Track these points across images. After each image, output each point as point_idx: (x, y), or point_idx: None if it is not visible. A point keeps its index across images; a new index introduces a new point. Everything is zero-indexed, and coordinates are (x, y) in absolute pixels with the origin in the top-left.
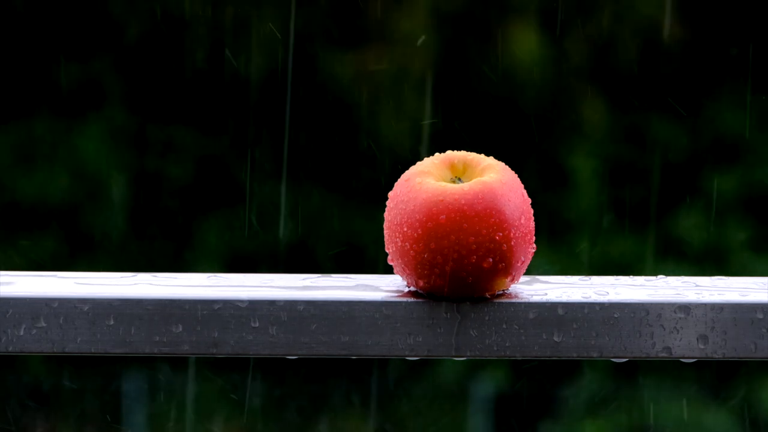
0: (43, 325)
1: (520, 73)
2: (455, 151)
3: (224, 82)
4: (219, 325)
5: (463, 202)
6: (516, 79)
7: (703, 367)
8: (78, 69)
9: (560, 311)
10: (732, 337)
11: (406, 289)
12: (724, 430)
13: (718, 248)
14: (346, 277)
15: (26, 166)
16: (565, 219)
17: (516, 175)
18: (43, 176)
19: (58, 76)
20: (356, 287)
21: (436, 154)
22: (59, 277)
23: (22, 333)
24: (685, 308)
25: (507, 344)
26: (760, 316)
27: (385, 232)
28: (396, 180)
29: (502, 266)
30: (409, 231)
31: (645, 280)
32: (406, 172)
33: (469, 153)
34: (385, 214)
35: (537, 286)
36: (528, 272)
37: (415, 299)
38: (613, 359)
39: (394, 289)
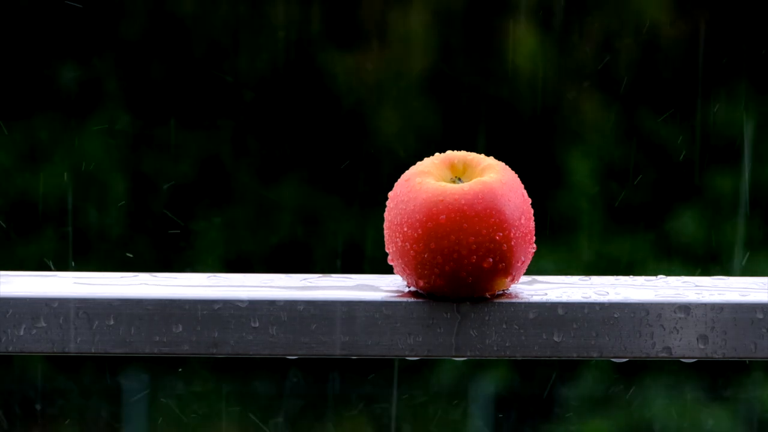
0: (43, 325)
1: (519, 73)
2: (455, 151)
3: (224, 82)
4: (219, 325)
5: (463, 202)
6: (516, 78)
7: (703, 367)
8: (78, 69)
9: (560, 311)
10: (732, 337)
11: (406, 289)
12: (724, 430)
13: (718, 248)
14: (346, 277)
15: (26, 166)
16: (565, 219)
17: (516, 175)
18: (43, 176)
19: (59, 76)
20: (356, 287)
21: (436, 154)
22: (59, 277)
23: (22, 333)
24: (685, 308)
25: (507, 344)
26: (760, 316)
27: (385, 232)
28: (396, 180)
29: (502, 266)
30: (409, 231)
31: (645, 280)
32: (406, 172)
33: (469, 153)
34: (385, 214)
35: (537, 286)
36: (528, 272)
37: (415, 299)
38: (613, 359)
39: (394, 289)
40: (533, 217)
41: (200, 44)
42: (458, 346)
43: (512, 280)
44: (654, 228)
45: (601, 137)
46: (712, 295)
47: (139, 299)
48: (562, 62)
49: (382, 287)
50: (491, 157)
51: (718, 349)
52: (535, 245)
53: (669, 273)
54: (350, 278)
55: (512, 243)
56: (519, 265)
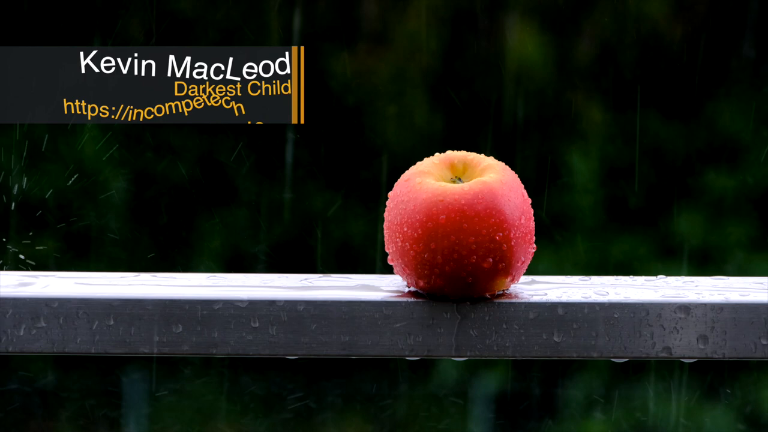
0: (43, 325)
1: (520, 73)
2: (455, 151)
3: None
4: (219, 325)
5: (463, 202)
6: (516, 78)
7: (703, 367)
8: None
9: (560, 311)
10: (732, 337)
11: (406, 289)
12: (724, 430)
13: (718, 248)
14: (346, 277)
15: (26, 165)
16: (565, 219)
17: (516, 175)
18: (43, 176)
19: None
20: (356, 287)
21: (436, 154)
22: (59, 277)
23: (22, 333)
24: (685, 308)
25: (507, 344)
26: (760, 316)
27: (385, 232)
28: (396, 180)
29: (502, 266)
30: (409, 231)
31: (645, 280)
32: (406, 172)
33: (469, 153)
34: (385, 214)
35: (537, 286)
36: (528, 272)
37: (415, 299)
38: (613, 359)
39: (394, 289)
40: (533, 217)
41: (200, 43)
42: (458, 346)
43: (512, 280)
44: (654, 228)
45: (602, 137)
46: (712, 295)
47: (139, 299)
48: (562, 62)
49: (382, 287)
50: (491, 157)
51: (718, 349)
52: (535, 245)
53: (669, 273)
54: (350, 278)
55: (512, 243)
56: (519, 265)
